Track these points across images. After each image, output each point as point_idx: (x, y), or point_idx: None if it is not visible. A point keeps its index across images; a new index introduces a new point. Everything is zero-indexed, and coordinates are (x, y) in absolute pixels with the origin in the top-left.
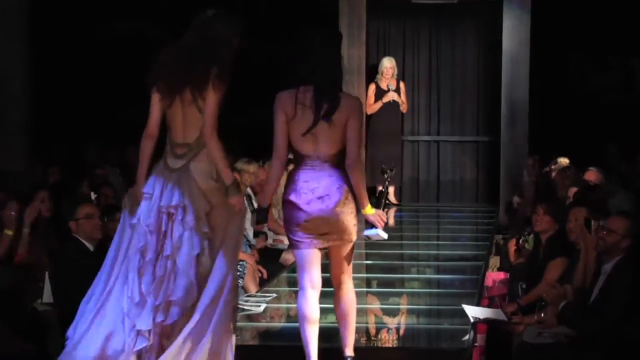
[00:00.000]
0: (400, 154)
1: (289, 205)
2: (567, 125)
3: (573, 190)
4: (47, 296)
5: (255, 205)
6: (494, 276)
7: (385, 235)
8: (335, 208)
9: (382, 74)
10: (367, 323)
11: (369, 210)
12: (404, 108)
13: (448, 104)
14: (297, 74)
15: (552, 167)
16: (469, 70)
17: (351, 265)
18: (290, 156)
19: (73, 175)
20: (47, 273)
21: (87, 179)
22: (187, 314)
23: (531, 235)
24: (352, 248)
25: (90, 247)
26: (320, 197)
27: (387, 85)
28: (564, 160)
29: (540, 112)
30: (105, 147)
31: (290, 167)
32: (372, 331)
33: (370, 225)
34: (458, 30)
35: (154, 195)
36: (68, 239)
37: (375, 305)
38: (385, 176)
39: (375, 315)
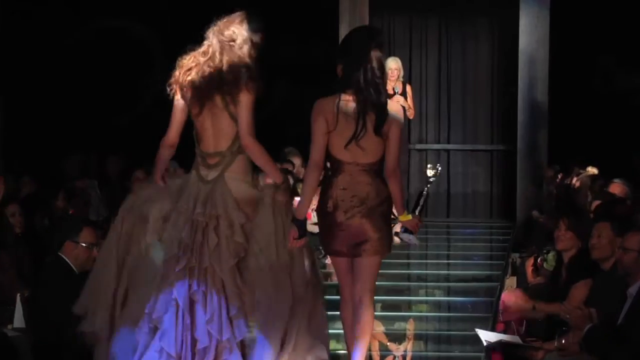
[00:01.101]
0: (406, 163)
1: (325, 213)
2: (591, 132)
3: (596, 203)
4: (19, 321)
5: None
6: (510, 296)
7: (416, 242)
8: (374, 218)
9: (387, 76)
10: (370, 350)
11: (405, 217)
12: (410, 114)
13: (459, 109)
14: (342, 81)
15: (576, 177)
16: (482, 71)
17: (375, 281)
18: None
19: (48, 187)
20: (18, 295)
21: (63, 191)
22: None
23: (551, 254)
24: (380, 264)
25: (76, 269)
26: (358, 206)
27: (393, 89)
28: (592, 170)
29: (561, 117)
30: (84, 157)
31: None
32: (377, 359)
33: (407, 229)
34: (470, 27)
35: (188, 208)
36: (49, 256)
37: (379, 330)
38: (429, 175)
39: (380, 342)
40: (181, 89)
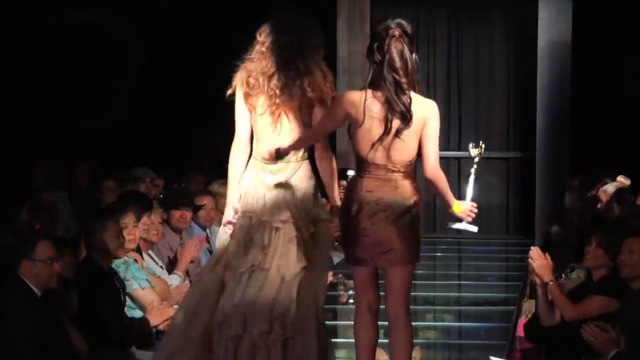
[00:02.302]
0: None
1: (348, 217)
2: (619, 137)
3: (624, 216)
4: None
5: None
6: None
7: (475, 229)
8: (401, 224)
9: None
10: None
11: (458, 207)
12: None
13: (471, 112)
14: (367, 76)
15: (602, 188)
16: (496, 71)
17: (409, 295)
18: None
19: (10, 200)
20: None
21: (28, 204)
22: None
23: (575, 272)
24: (412, 275)
25: (38, 292)
26: (384, 210)
27: None
28: (622, 181)
29: (586, 120)
30: (51, 165)
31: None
32: None
33: (458, 218)
34: (483, 22)
35: (255, 212)
36: (7, 279)
37: (383, 359)
38: (473, 155)
39: None
40: (248, 94)
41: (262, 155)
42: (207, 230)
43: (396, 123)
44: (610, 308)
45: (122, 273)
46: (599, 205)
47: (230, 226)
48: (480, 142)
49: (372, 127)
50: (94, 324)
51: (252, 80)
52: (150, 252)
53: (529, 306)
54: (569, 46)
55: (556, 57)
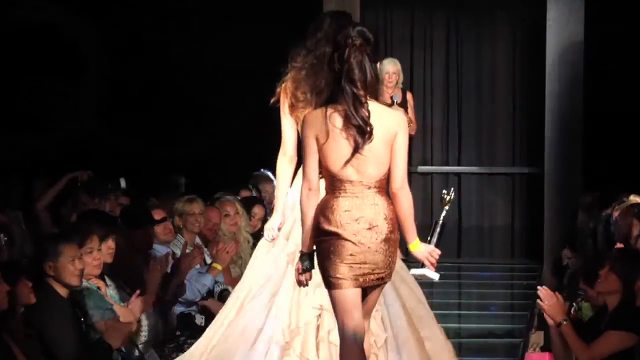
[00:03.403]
0: None
1: (328, 238)
2: (636, 151)
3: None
4: None
5: (209, 259)
6: (536, 358)
7: (435, 277)
8: (384, 241)
9: (383, 82)
10: None
11: (417, 246)
12: (412, 128)
13: (472, 123)
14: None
15: (617, 206)
16: (500, 76)
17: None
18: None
19: None
20: None
21: None
22: None
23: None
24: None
25: None
26: (368, 228)
27: (391, 97)
28: (637, 200)
29: (599, 133)
30: (4, 182)
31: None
32: None
33: (420, 262)
34: (486, 23)
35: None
36: None
37: None
38: (444, 200)
39: None
40: (294, 105)
41: None
42: (170, 245)
43: (359, 137)
44: (629, 344)
45: (84, 302)
46: (614, 227)
47: (274, 233)
48: (452, 189)
49: (339, 142)
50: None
51: (299, 95)
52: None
53: (536, 338)
54: (581, 50)
55: (567, 62)
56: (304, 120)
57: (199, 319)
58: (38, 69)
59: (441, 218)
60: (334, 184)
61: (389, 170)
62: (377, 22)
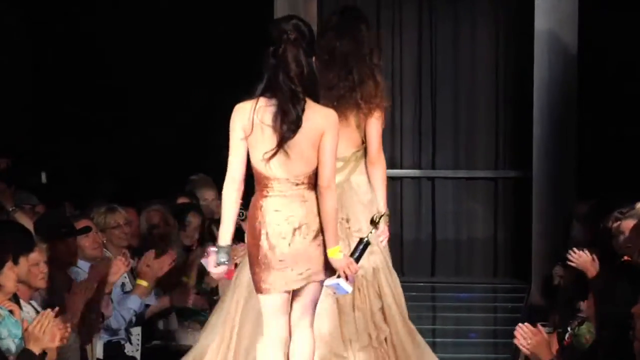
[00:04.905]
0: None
1: (256, 242)
2: (638, 153)
3: None
4: None
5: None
6: None
7: (349, 289)
8: (315, 240)
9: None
10: None
11: (336, 254)
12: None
13: (449, 121)
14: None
15: (618, 215)
16: (482, 65)
17: (315, 311)
18: None
19: None
20: None
21: None
22: None
23: (585, 325)
24: (321, 290)
25: None
26: (297, 228)
27: None
28: None
29: (595, 132)
30: None
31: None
32: None
33: (335, 273)
34: (464, 4)
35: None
36: None
37: None
38: (374, 223)
39: None
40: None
41: None
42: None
43: (289, 133)
44: None
45: None
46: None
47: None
48: (386, 213)
49: (265, 137)
50: None
51: None
52: (32, 301)
53: None
54: (574, 34)
55: (558, 49)
56: (233, 112)
57: (130, 348)
58: None
59: (366, 237)
60: (262, 182)
61: (317, 168)
62: (337, 3)
